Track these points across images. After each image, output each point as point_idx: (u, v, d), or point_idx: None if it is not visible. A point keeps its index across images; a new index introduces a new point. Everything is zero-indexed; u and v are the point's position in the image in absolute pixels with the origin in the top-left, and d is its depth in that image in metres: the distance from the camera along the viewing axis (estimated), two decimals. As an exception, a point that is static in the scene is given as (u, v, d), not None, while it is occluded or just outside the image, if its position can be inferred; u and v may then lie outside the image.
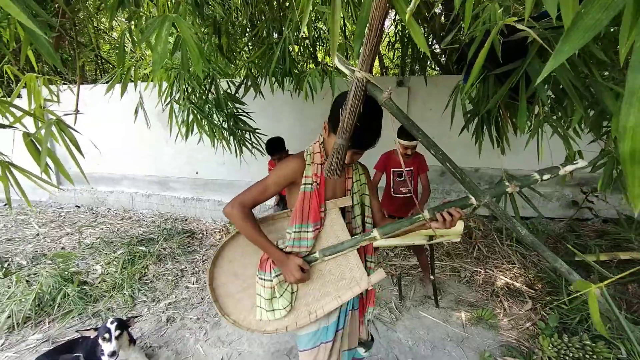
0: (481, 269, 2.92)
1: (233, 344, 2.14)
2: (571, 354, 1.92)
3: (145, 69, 2.37)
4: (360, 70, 0.97)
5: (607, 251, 2.83)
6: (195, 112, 2.30)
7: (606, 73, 1.20)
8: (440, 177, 3.81)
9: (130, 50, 3.26)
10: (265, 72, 2.45)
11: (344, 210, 1.20)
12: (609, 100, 1.01)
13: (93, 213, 4.56)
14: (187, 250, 3.41)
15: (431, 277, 2.43)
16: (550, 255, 0.90)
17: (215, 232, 3.87)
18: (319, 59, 4.53)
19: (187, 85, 2.24)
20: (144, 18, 1.76)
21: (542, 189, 3.59)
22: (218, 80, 2.38)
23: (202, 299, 2.61)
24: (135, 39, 1.80)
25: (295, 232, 1.10)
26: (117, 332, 1.68)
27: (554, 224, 3.48)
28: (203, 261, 3.21)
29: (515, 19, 0.93)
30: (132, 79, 2.17)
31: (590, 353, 1.91)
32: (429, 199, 2.62)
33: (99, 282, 2.67)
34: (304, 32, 3.31)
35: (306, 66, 3.36)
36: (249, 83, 2.50)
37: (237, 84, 2.64)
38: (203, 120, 2.37)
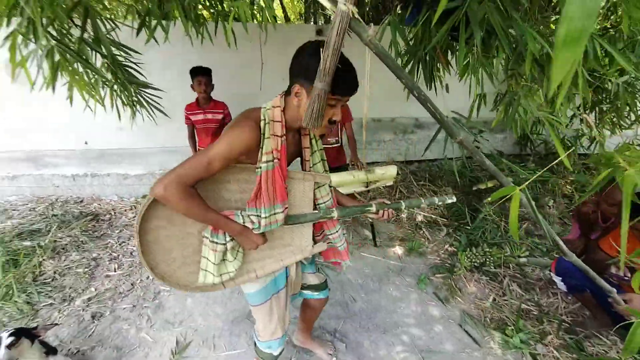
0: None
1: (185, 322, 1.96)
2: (478, 261, 2.44)
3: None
4: (345, 2, 0.87)
5: (490, 179, 3.58)
6: (63, 52, 1.68)
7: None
8: (360, 129, 4.02)
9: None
10: (169, 14, 1.99)
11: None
12: (531, 40, 1.18)
13: None
14: (95, 235, 2.82)
15: (370, 220, 2.65)
16: (496, 172, 1.07)
17: (126, 210, 3.29)
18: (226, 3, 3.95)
19: (41, 13, 1.61)
20: None
21: (444, 134, 4.18)
22: (94, 14, 1.80)
23: (132, 284, 2.25)
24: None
25: (263, 215, 1.00)
26: (10, 340, 1.30)
27: (453, 163, 4.14)
28: (120, 244, 2.73)
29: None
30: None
31: (489, 256, 2.46)
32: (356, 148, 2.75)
33: (-27, 296, 2.00)
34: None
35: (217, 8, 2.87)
36: (146, 30, 2.00)
37: (120, 23, 2.09)
38: (75, 65, 1.78)
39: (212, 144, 0.94)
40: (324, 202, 1.16)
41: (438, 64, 1.77)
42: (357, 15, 0.90)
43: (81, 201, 3.47)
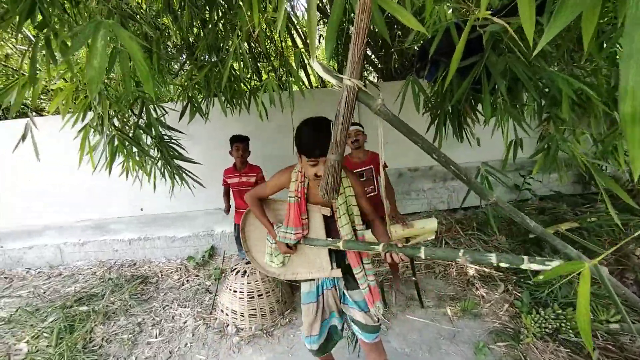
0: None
1: (217, 399, 1.85)
2: (550, 325, 2.05)
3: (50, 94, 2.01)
4: (350, 77, 0.91)
5: (550, 225, 3.17)
6: (121, 137, 1.99)
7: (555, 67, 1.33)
8: (397, 179, 3.94)
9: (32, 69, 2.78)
10: (212, 92, 2.28)
11: (332, 213, 1.41)
12: (563, 84, 1.10)
13: (6, 277, 3.72)
14: (142, 299, 2.95)
15: (414, 278, 2.43)
16: (560, 243, 0.91)
17: (171, 273, 3.43)
18: (263, 77, 4.44)
19: (109, 109, 1.94)
20: (65, 26, 1.48)
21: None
22: (149, 104, 2.13)
23: (170, 352, 2.24)
24: (51, 54, 1.48)
25: (282, 231, 1.42)
26: None
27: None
28: (164, 307, 2.80)
29: (489, 12, 0.96)
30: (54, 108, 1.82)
31: (564, 320, 2.06)
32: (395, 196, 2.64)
33: (29, 364, 2.13)
34: (246, 47, 3.20)
35: (250, 84, 3.22)
36: (194, 107, 2.29)
37: (169, 109, 2.42)
38: (130, 147, 2.07)
39: (270, 179, 1.49)
40: (344, 232, 1.37)
41: (466, 117, 1.73)
42: (364, 88, 0.93)
43: (134, 264, 3.72)
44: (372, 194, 2.56)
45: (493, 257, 0.95)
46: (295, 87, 2.05)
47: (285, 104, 2.68)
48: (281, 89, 2.23)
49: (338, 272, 1.45)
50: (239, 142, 2.66)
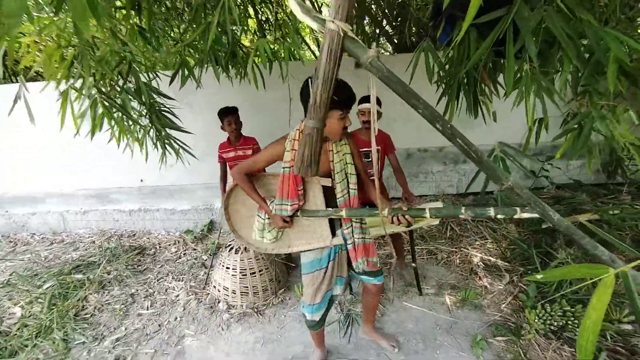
0: (456, 248, 2.88)
1: (202, 374, 1.82)
2: (555, 322, 1.91)
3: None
4: (334, 20, 0.73)
5: (565, 215, 2.95)
6: (107, 103, 1.85)
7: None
8: (406, 160, 3.73)
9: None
10: (205, 55, 2.09)
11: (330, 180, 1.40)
12: (615, 45, 0.88)
13: (10, 241, 3.78)
14: (138, 270, 2.94)
15: (413, 264, 2.30)
16: (589, 242, 0.75)
17: (169, 245, 3.41)
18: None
19: (93, 70, 1.78)
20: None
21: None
22: (136, 68, 1.96)
23: (159, 325, 2.22)
24: None
25: (277, 204, 1.39)
26: None
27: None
28: (158, 280, 2.78)
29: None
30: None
31: (572, 318, 1.92)
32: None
33: (19, 329, 2.14)
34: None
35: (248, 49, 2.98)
36: (185, 73, 2.12)
37: (162, 74, 2.24)
38: (117, 114, 1.93)
39: (260, 152, 1.44)
40: (343, 197, 1.40)
41: (483, 86, 1.51)
42: (351, 34, 0.75)
43: (134, 235, 3.72)
44: (373, 177, 2.39)
45: (491, 211, 1.03)
46: (297, 56, 1.84)
47: (286, 75, 2.49)
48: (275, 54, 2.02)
49: (339, 240, 1.48)
50: (231, 115, 2.47)
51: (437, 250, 2.89)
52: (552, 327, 1.89)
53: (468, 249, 2.83)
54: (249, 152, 2.54)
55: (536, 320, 1.91)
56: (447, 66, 1.58)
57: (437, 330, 2.02)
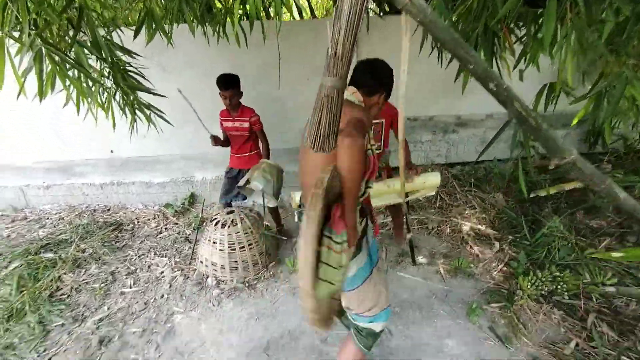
0: (446, 218, 2.89)
1: (195, 353, 1.74)
2: (546, 287, 1.97)
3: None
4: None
5: (552, 184, 3.02)
6: (57, 58, 1.52)
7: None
8: (410, 128, 3.61)
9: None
10: (174, 7, 1.78)
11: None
12: None
13: (-34, 219, 3.41)
14: (116, 246, 2.74)
15: (408, 235, 2.27)
16: None
17: (149, 220, 3.20)
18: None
19: (34, 14, 1.44)
20: None
21: (492, 133, 3.66)
22: (92, 16, 1.63)
23: (145, 304, 2.09)
24: None
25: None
26: None
27: (505, 165, 3.60)
28: (139, 256, 2.61)
29: None
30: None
31: (561, 283, 1.98)
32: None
33: (-16, 314, 1.94)
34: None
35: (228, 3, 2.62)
36: (153, 26, 1.80)
37: (125, 31, 1.92)
38: (72, 73, 1.62)
39: (346, 158, 0.87)
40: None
41: (504, 44, 1.37)
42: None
43: (108, 209, 3.46)
44: (378, 151, 2.25)
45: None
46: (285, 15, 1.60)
47: (268, 36, 2.21)
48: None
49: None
50: (224, 90, 2.19)
51: (428, 220, 2.89)
52: (543, 292, 1.95)
53: (458, 219, 2.85)
54: (246, 124, 2.32)
55: (528, 286, 1.96)
56: (458, 24, 1.43)
57: (433, 299, 2.04)
